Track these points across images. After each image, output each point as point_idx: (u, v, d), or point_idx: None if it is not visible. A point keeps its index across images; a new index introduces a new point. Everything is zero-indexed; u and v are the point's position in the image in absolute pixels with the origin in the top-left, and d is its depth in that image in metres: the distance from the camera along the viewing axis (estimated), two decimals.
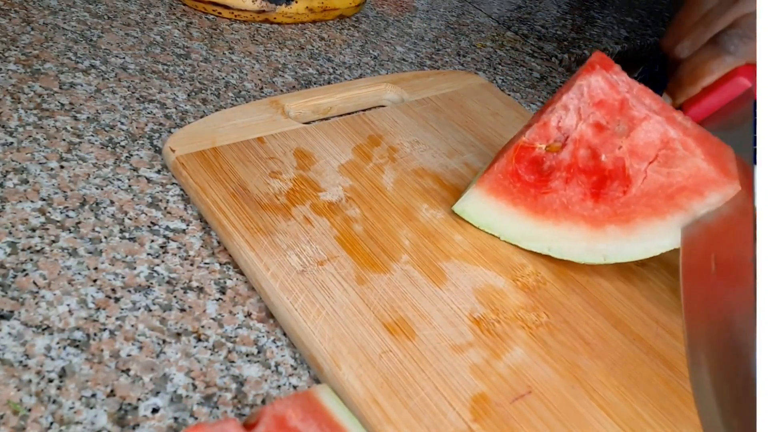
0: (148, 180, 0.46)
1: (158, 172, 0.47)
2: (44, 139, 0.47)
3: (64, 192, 0.43)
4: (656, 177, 0.41)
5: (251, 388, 0.35)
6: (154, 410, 0.33)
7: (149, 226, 0.43)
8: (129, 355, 0.35)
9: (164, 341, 0.36)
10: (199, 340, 0.37)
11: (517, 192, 0.43)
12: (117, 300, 0.38)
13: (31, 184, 0.43)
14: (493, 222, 0.45)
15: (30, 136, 0.47)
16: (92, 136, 0.48)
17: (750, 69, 0.48)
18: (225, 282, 0.40)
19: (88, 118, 0.50)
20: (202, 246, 0.42)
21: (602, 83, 0.41)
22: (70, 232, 0.41)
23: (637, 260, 0.43)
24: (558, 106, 0.42)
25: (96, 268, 0.39)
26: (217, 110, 0.54)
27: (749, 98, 0.48)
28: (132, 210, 0.43)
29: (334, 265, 0.41)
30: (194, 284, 0.40)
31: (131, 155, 0.48)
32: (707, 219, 0.39)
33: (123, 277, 0.39)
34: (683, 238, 0.40)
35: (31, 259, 0.38)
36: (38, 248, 0.39)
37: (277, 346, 0.38)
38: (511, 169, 0.43)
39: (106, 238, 0.41)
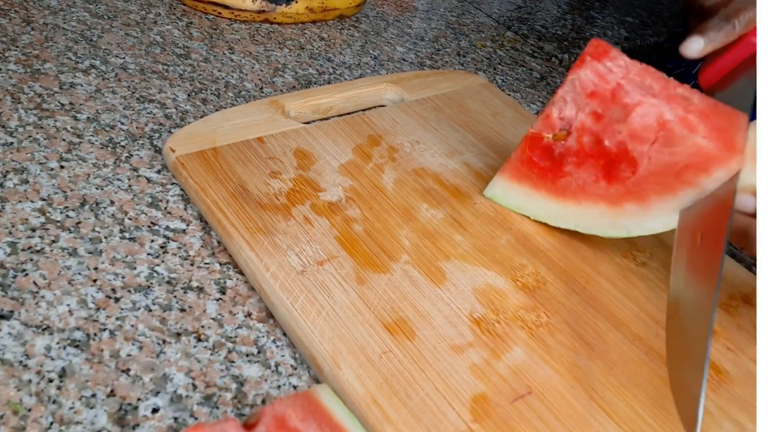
0: (148, 180, 0.46)
1: (158, 172, 0.47)
2: (44, 139, 0.47)
3: (64, 192, 0.43)
4: (660, 157, 0.42)
5: (251, 388, 0.35)
6: (154, 410, 0.33)
7: (149, 226, 0.43)
8: (129, 355, 0.35)
9: (164, 341, 0.36)
10: (199, 340, 0.37)
11: (536, 177, 0.46)
12: (117, 300, 0.38)
13: (31, 184, 0.43)
14: (521, 204, 0.47)
15: (30, 136, 0.47)
16: (92, 136, 0.48)
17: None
18: (225, 282, 0.40)
19: (88, 118, 0.50)
20: (202, 246, 0.42)
21: (591, 75, 0.44)
22: (70, 232, 0.41)
23: (648, 235, 0.44)
24: (557, 98, 0.45)
25: (96, 268, 0.39)
26: (217, 110, 0.54)
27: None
28: (132, 210, 0.43)
29: (334, 265, 0.41)
30: (194, 284, 0.40)
31: (131, 155, 0.48)
32: (703, 201, 0.41)
33: (123, 277, 0.39)
34: (680, 220, 0.41)
35: (31, 259, 0.38)
36: (38, 248, 0.39)
37: (277, 346, 0.38)
38: (525, 157, 0.46)
39: (106, 238, 0.41)
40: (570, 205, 0.45)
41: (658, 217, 0.42)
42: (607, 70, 0.44)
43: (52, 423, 0.31)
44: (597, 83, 0.44)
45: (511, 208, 0.48)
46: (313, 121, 0.55)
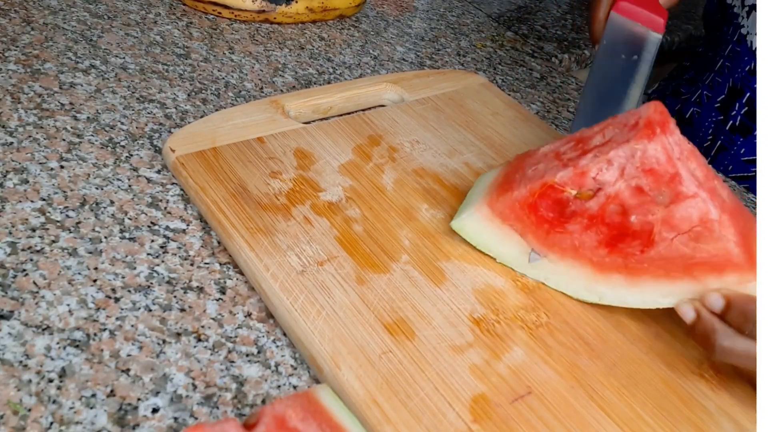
0: (148, 180, 0.46)
1: (158, 172, 0.47)
2: (44, 139, 0.47)
3: (64, 192, 0.43)
4: (681, 248, 0.40)
5: (251, 388, 0.35)
6: (154, 410, 0.33)
7: (149, 226, 0.43)
8: (129, 355, 0.35)
9: (164, 341, 0.36)
10: (199, 340, 0.37)
11: (529, 223, 0.42)
12: (117, 300, 0.38)
13: (31, 184, 0.43)
14: (493, 244, 0.44)
15: (30, 136, 0.47)
16: (92, 136, 0.48)
17: None
18: (225, 282, 0.40)
19: (88, 118, 0.50)
20: (202, 246, 0.42)
21: (660, 153, 0.40)
22: (70, 232, 0.41)
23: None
24: (603, 158, 0.41)
25: (96, 268, 0.39)
26: (217, 110, 0.54)
27: None
28: (132, 210, 0.43)
29: (334, 265, 0.41)
30: (194, 284, 0.40)
31: (131, 155, 0.48)
32: None
33: (123, 277, 0.39)
34: None
35: (31, 259, 0.39)
36: (38, 248, 0.39)
37: (277, 346, 0.38)
38: (531, 201, 0.42)
39: (106, 238, 0.41)
40: (552, 258, 0.43)
41: (640, 294, 0.41)
42: (672, 148, 0.40)
43: (52, 423, 0.31)
44: (661, 163, 0.40)
45: (477, 245, 0.44)
46: (313, 121, 0.55)
